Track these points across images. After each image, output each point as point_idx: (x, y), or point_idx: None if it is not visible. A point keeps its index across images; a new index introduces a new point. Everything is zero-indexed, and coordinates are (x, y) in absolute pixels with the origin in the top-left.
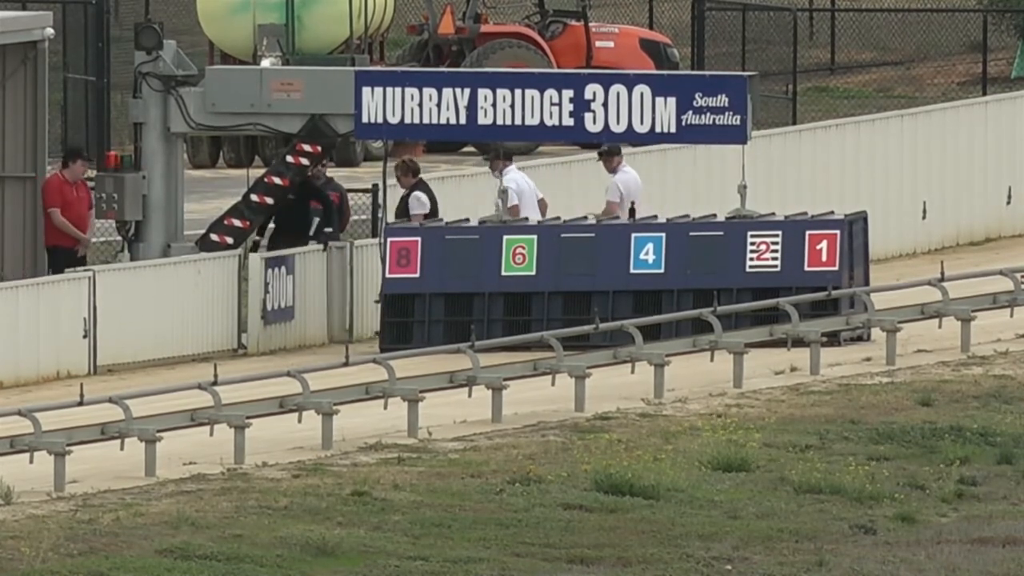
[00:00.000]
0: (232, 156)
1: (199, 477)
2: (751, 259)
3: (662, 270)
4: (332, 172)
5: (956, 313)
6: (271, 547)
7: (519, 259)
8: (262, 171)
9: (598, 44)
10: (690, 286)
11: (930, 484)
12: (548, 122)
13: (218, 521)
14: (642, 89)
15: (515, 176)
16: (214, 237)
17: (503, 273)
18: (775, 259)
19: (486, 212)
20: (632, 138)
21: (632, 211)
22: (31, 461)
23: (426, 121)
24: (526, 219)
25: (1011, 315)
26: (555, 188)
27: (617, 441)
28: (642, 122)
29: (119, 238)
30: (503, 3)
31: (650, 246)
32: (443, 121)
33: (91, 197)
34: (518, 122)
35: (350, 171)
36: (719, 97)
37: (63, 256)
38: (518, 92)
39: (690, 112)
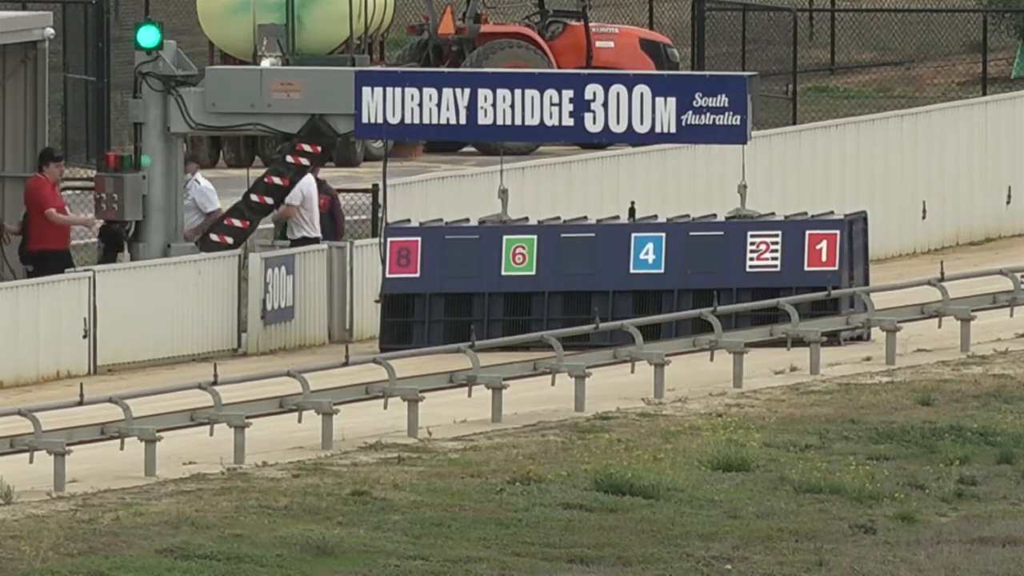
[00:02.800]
0: (232, 156)
1: (199, 477)
2: (751, 259)
3: (662, 270)
4: (331, 173)
5: (956, 313)
6: (271, 547)
7: (519, 259)
8: (262, 171)
9: (598, 44)
10: (690, 286)
11: (930, 484)
12: (548, 122)
13: (218, 521)
14: (642, 89)
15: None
16: (214, 237)
17: (503, 273)
18: (775, 259)
19: (486, 212)
20: (632, 138)
21: (632, 211)
22: (31, 461)
23: (426, 121)
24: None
25: (1011, 315)
26: (555, 188)
27: (617, 441)
28: (642, 122)
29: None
30: (503, 3)
31: (650, 246)
32: (443, 121)
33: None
34: (518, 122)
35: (350, 171)
36: (719, 97)
37: (52, 259)
38: (518, 92)
39: (690, 112)
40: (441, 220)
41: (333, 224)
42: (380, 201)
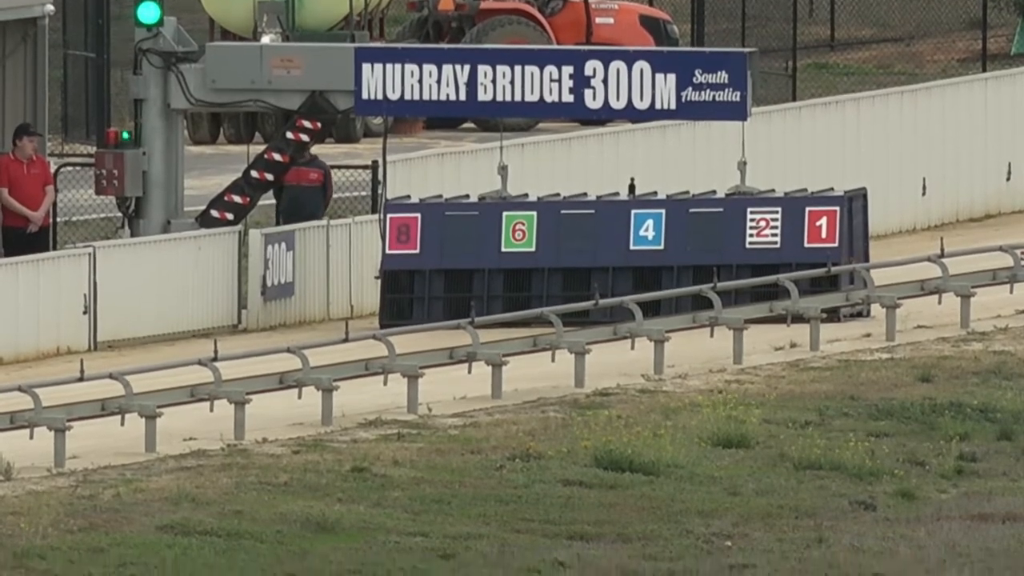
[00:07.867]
0: (232, 132)
1: (199, 453)
2: (751, 235)
3: (662, 246)
4: (331, 149)
5: (956, 289)
6: (271, 523)
7: (519, 235)
8: (262, 147)
9: (598, 20)
10: (690, 262)
11: (930, 460)
12: (548, 98)
13: (218, 497)
14: (642, 65)
15: None
16: (214, 213)
17: (503, 249)
18: (775, 236)
19: (486, 189)
20: (632, 115)
21: (632, 188)
22: (31, 437)
23: (426, 97)
24: (526, 195)
25: (1011, 291)
26: (555, 165)
27: (617, 417)
28: (642, 98)
29: (119, 215)
30: None
31: (650, 222)
32: (443, 97)
33: (48, 174)
34: (518, 98)
35: (350, 147)
36: (719, 74)
37: (15, 236)
38: (518, 68)
39: (690, 88)
40: (441, 196)
41: (324, 198)
42: (380, 177)
